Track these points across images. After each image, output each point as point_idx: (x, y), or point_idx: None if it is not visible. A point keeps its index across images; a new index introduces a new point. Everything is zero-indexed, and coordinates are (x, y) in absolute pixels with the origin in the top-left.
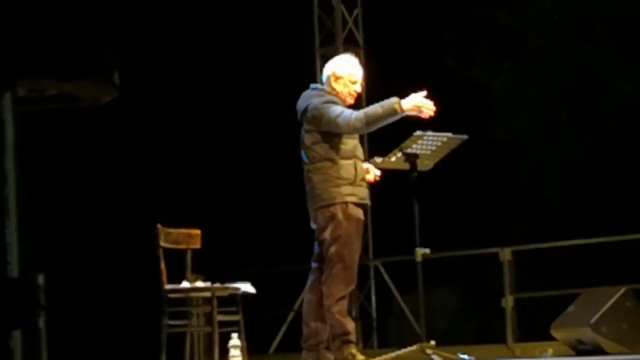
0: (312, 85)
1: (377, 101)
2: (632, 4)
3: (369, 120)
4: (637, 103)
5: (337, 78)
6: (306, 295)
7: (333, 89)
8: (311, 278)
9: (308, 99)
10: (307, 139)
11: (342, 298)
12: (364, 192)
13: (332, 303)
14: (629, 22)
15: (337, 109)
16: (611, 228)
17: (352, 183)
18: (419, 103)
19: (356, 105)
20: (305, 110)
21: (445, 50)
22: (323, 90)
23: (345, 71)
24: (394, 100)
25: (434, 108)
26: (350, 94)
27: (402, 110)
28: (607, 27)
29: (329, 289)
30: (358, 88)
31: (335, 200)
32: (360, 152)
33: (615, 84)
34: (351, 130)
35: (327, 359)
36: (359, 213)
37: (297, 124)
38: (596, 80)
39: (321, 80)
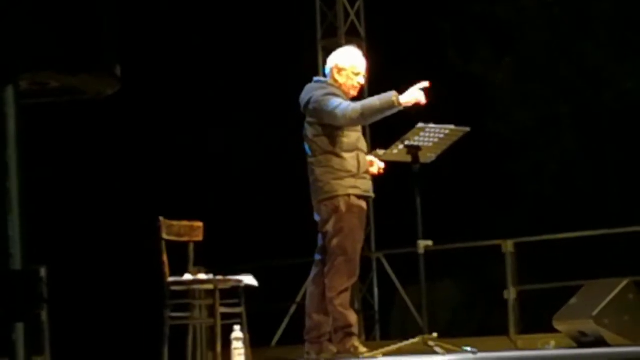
0: (315, 78)
1: (378, 94)
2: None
3: (366, 113)
4: (636, 97)
5: (340, 70)
6: (309, 288)
7: (336, 81)
8: (314, 271)
9: (310, 91)
10: (310, 131)
11: (345, 290)
12: (367, 185)
13: (334, 295)
14: (628, 18)
15: (336, 101)
16: (613, 220)
17: (354, 175)
18: (416, 96)
19: (359, 98)
20: (308, 102)
21: (446, 44)
22: (326, 82)
23: (348, 63)
24: (391, 93)
25: (424, 100)
26: (353, 86)
27: (400, 104)
28: (607, 22)
29: (331, 282)
30: (361, 80)
31: (337, 193)
32: (363, 144)
33: (615, 79)
34: (348, 122)
35: (329, 352)
36: (362, 204)
37: (300, 117)
38: (596, 75)
39: (324, 72)
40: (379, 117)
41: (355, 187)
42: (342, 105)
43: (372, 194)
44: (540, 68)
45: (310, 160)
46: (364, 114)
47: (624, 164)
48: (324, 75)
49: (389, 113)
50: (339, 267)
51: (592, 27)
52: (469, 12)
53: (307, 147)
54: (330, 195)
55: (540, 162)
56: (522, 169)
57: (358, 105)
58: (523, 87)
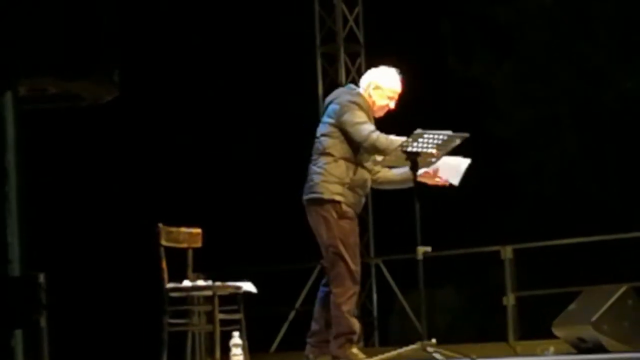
0: (351, 85)
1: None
2: (632, 0)
3: (390, 146)
4: (637, 99)
5: (377, 88)
6: (320, 293)
7: (370, 96)
8: (327, 277)
9: (341, 94)
10: (319, 130)
11: (352, 296)
12: (354, 198)
13: (343, 301)
14: (628, 18)
15: (363, 117)
16: (612, 226)
17: (343, 184)
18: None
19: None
20: (331, 102)
21: (445, 48)
22: (358, 92)
23: (388, 84)
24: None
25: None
26: (382, 107)
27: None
28: (607, 23)
29: (337, 288)
30: (392, 105)
31: (323, 196)
32: (365, 160)
33: (615, 80)
34: (365, 139)
35: (329, 357)
36: (351, 214)
37: (299, 122)
38: (596, 76)
39: (323, 77)
40: (385, 154)
41: (341, 194)
42: (374, 132)
43: (357, 209)
44: (541, 69)
45: (311, 158)
46: (388, 146)
47: (626, 167)
48: (331, 81)
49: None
50: (342, 274)
51: (592, 27)
52: (469, 14)
53: (314, 145)
54: (317, 198)
55: (540, 164)
56: (521, 172)
57: (384, 137)
58: (523, 88)
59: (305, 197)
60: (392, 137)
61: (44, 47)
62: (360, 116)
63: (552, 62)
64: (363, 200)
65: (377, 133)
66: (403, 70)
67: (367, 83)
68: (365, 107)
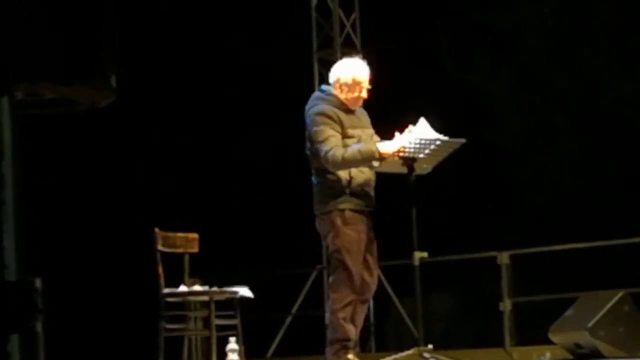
0: (322, 87)
1: (376, 103)
2: (629, 7)
3: (345, 164)
4: (634, 106)
5: (341, 85)
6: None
7: (340, 92)
8: None
9: (314, 100)
10: (307, 143)
11: (349, 304)
12: (360, 199)
13: (339, 308)
14: (626, 26)
15: (323, 134)
16: (609, 232)
17: (345, 192)
18: (396, 147)
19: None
20: (307, 112)
21: (442, 54)
22: (331, 94)
23: (350, 77)
24: (373, 148)
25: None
26: (354, 99)
27: (382, 158)
28: (605, 30)
29: (335, 294)
30: (364, 94)
31: (329, 209)
32: None
33: (613, 88)
34: (323, 161)
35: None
36: (360, 217)
37: (296, 127)
38: (593, 83)
39: (320, 82)
40: (358, 166)
41: (347, 202)
42: (325, 145)
43: (367, 209)
44: (538, 77)
45: (312, 171)
46: (342, 165)
47: (623, 173)
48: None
49: (368, 163)
50: (342, 281)
51: (589, 34)
52: (466, 21)
53: None
54: (324, 210)
55: (537, 170)
56: (518, 178)
57: (339, 157)
58: (521, 96)
59: (315, 211)
60: (350, 149)
61: (41, 51)
62: (322, 132)
63: (550, 68)
64: (372, 193)
65: (333, 151)
66: (400, 75)
67: (333, 82)
68: (332, 113)
